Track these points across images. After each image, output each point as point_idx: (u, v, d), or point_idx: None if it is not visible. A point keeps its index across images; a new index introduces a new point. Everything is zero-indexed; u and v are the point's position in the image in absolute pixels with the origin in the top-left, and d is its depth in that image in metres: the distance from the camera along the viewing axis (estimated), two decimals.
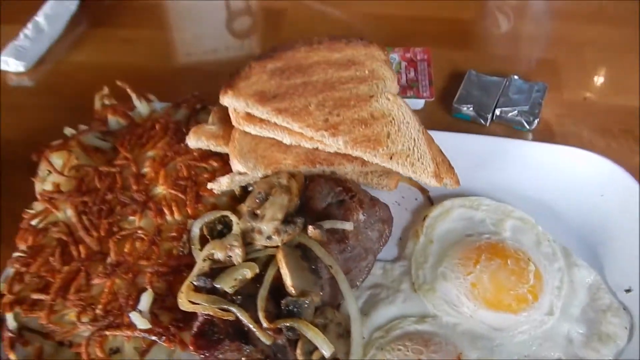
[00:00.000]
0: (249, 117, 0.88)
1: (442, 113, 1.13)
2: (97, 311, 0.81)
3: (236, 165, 0.88)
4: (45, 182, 0.99)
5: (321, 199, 0.87)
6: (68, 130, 1.05)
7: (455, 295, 0.81)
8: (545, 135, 1.06)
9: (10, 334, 0.81)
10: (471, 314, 0.80)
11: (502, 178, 0.96)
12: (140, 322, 0.79)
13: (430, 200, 0.97)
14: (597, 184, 0.91)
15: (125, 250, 0.86)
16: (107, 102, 1.08)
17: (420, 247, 0.89)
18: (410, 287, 0.86)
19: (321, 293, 0.77)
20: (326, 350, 0.73)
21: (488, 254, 0.83)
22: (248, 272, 0.77)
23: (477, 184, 0.96)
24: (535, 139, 1.06)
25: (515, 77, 1.14)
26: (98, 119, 1.07)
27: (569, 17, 1.34)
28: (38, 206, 0.96)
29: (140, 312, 0.80)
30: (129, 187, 0.94)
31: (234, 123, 0.90)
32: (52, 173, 0.98)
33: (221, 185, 0.89)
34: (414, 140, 0.88)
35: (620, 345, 0.77)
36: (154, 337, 0.78)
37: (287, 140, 0.89)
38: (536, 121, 1.07)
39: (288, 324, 0.73)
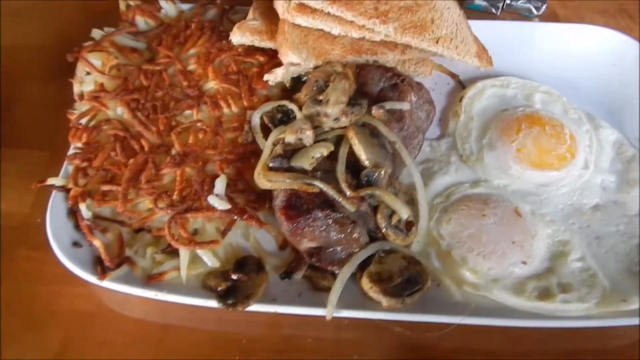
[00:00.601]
0: (302, 8, 0.88)
1: None
2: (174, 197, 0.82)
3: (289, 57, 0.88)
4: (83, 83, 0.96)
5: (374, 84, 0.90)
6: (97, 33, 1.01)
7: (503, 160, 0.89)
8: (552, 19, 1.13)
9: (87, 222, 0.82)
10: (519, 175, 0.88)
11: (524, 59, 1.03)
12: (220, 203, 0.81)
13: (461, 84, 1.02)
14: (609, 55, 1.00)
15: (190, 141, 0.87)
16: (131, 3, 1.04)
17: (462, 124, 0.95)
18: (459, 159, 0.92)
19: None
20: (404, 213, 0.79)
21: (526, 123, 0.91)
22: (324, 150, 0.80)
23: (502, 66, 1.01)
24: None
25: None
26: (125, 21, 1.03)
27: None
28: (82, 106, 0.93)
29: (217, 195, 0.82)
30: (178, 84, 0.93)
31: (283, 16, 0.89)
32: (91, 74, 0.96)
33: (277, 76, 0.90)
34: (456, 24, 0.92)
35: None
36: (235, 217, 0.82)
37: (336, 30, 0.90)
38: (544, 7, 1.13)
39: (369, 192, 0.78)
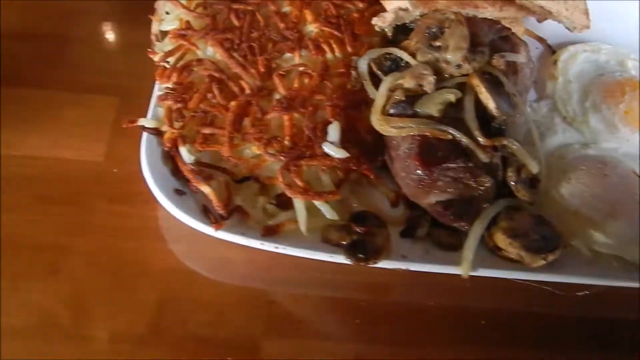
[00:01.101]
0: None
1: None
2: (286, 142, 0.74)
3: (397, 2, 0.82)
4: (163, 22, 0.86)
5: (484, 35, 0.84)
6: None
7: (610, 123, 0.85)
8: None
9: (191, 167, 0.72)
10: (628, 137, 0.85)
11: (607, 27, 0.99)
12: (337, 152, 0.73)
13: (550, 48, 0.99)
14: None
15: (295, 86, 0.79)
16: None
17: (561, 86, 0.92)
18: (563, 121, 0.88)
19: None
20: (534, 166, 0.74)
21: (630, 86, 0.88)
22: (452, 96, 0.74)
23: (584, 33, 0.98)
24: None
25: None
26: None
27: None
28: (165, 45, 0.83)
29: (331, 143, 0.74)
30: (273, 26, 0.85)
31: None
32: (170, 13, 0.86)
33: (385, 20, 0.82)
34: None
35: None
36: (352, 166, 0.74)
37: None
38: None
39: (504, 142, 0.73)
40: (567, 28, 0.94)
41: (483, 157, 0.71)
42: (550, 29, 0.95)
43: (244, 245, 0.69)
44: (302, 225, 0.70)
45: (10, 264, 0.70)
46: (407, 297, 0.75)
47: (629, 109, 0.85)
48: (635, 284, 0.70)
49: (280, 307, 0.72)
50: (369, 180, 0.77)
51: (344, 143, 0.76)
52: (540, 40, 1.00)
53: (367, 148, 0.77)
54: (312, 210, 0.72)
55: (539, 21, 0.97)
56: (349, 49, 0.83)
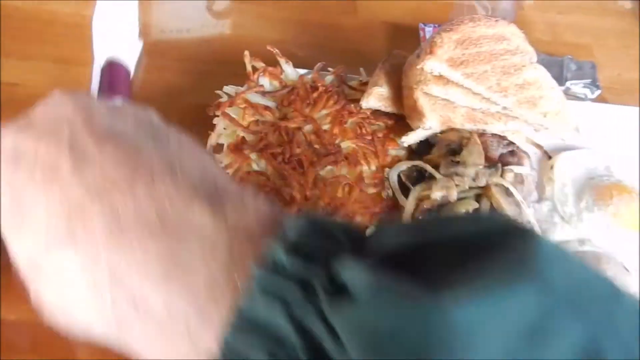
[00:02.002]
0: (438, 79, 0.96)
1: None
2: None
3: (423, 122, 0.96)
4: (220, 136, 0.99)
5: (494, 149, 0.98)
6: (229, 89, 1.04)
7: (602, 222, 0.98)
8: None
9: None
10: (616, 236, 0.97)
11: (592, 138, 1.14)
12: None
13: (546, 154, 1.13)
14: None
15: (338, 195, 0.91)
16: (256, 64, 1.09)
17: (558, 189, 1.05)
18: (561, 220, 1.01)
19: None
20: None
21: (616, 190, 1.01)
22: (470, 207, 0.87)
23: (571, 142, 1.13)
24: None
25: (569, 56, 1.34)
26: (251, 80, 1.07)
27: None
28: (225, 157, 0.95)
29: None
30: (315, 142, 0.98)
31: (417, 85, 0.97)
32: (228, 128, 0.99)
33: (412, 138, 0.97)
34: (558, 102, 1.03)
35: None
36: None
37: (463, 102, 0.98)
38: (598, 92, 1.27)
39: None
40: (562, 139, 1.09)
41: None
42: (545, 135, 1.11)
43: None
44: None
45: None
46: None
47: (616, 211, 0.98)
48: None
49: None
50: None
51: None
52: (538, 146, 1.14)
53: None
54: None
55: (536, 131, 1.12)
56: (380, 161, 0.96)
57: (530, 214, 0.92)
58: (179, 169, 0.36)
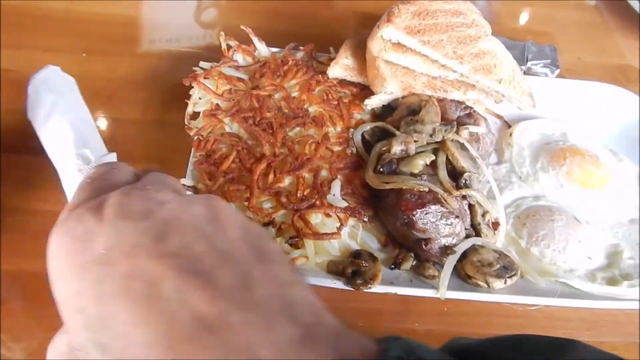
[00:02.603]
0: (396, 46, 1.02)
1: None
2: (297, 196, 0.90)
3: (388, 87, 1.02)
4: (197, 104, 1.05)
5: (452, 112, 1.04)
6: (205, 64, 1.11)
7: (556, 181, 1.03)
8: None
9: None
10: (569, 193, 1.02)
11: (551, 107, 1.20)
12: (338, 202, 0.90)
13: (506, 123, 1.18)
14: (619, 108, 1.19)
15: (306, 151, 0.96)
16: (230, 42, 1.15)
17: (516, 153, 1.10)
18: (519, 180, 1.06)
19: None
20: (494, 211, 0.91)
21: (570, 152, 1.07)
22: (428, 160, 0.92)
23: (533, 112, 1.18)
24: None
25: (531, 41, 1.41)
26: (226, 57, 1.13)
27: None
28: (197, 123, 1.01)
29: (334, 195, 0.91)
30: (285, 107, 1.04)
31: (377, 54, 1.03)
32: (204, 97, 1.05)
33: (374, 101, 1.03)
34: (512, 70, 1.09)
35: None
36: (350, 213, 0.90)
37: (421, 68, 1.04)
38: (557, 71, 1.34)
39: (469, 192, 0.90)
40: (518, 107, 1.15)
41: (454, 204, 0.88)
42: (506, 108, 1.17)
43: None
44: (312, 259, 0.85)
45: None
46: (396, 321, 0.87)
47: (569, 170, 1.03)
48: (575, 303, 0.85)
49: None
50: (363, 226, 0.93)
51: (345, 196, 0.93)
52: (498, 116, 1.20)
53: (363, 200, 0.94)
54: (319, 249, 0.87)
55: (497, 102, 1.18)
56: (346, 123, 1.02)
57: (487, 170, 0.97)
58: (288, 307, 0.34)
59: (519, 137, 1.13)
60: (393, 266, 0.88)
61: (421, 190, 0.87)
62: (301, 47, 1.19)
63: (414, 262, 0.89)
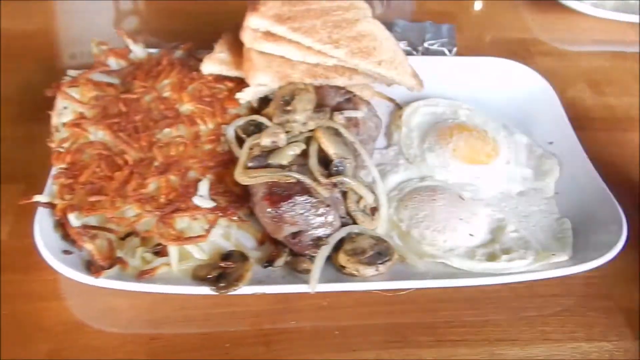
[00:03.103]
0: (267, 35, 0.98)
1: None
2: (161, 200, 0.85)
3: (257, 79, 0.97)
4: (62, 115, 0.99)
5: (331, 98, 1.01)
6: (73, 72, 1.05)
7: (442, 159, 1.01)
8: None
9: (77, 229, 0.82)
10: (457, 170, 0.99)
11: (445, 86, 1.18)
12: (205, 203, 0.85)
13: (398, 105, 1.15)
14: (515, 81, 1.17)
15: (172, 153, 0.91)
16: (103, 47, 1.10)
17: (405, 135, 1.07)
18: (406, 162, 1.03)
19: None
20: (369, 197, 0.88)
21: (457, 130, 1.04)
22: (297, 148, 0.88)
23: (426, 92, 1.15)
24: None
25: (430, 22, 1.39)
26: (98, 62, 1.08)
27: None
28: (61, 134, 0.95)
29: (201, 196, 0.86)
30: (155, 108, 0.99)
31: (250, 44, 0.99)
32: (69, 106, 0.99)
33: (247, 94, 0.98)
34: (394, 51, 1.06)
35: (556, 175, 1.01)
36: (219, 213, 0.85)
37: (296, 56, 1.00)
38: (454, 49, 1.32)
39: (339, 179, 0.86)
40: (408, 89, 1.12)
41: (324, 192, 0.84)
42: (403, 91, 1.14)
43: (127, 294, 0.78)
44: (174, 265, 0.80)
45: None
46: (275, 321, 0.83)
47: (456, 147, 1.01)
48: (456, 283, 0.82)
49: (160, 343, 0.79)
50: (239, 225, 0.89)
51: (215, 196, 0.88)
52: (390, 100, 1.17)
53: (236, 198, 0.90)
54: (186, 255, 0.83)
55: (388, 85, 1.15)
56: (219, 120, 0.98)
57: (366, 155, 0.93)
58: None
59: (408, 118, 1.10)
60: (267, 264, 0.84)
61: (288, 181, 0.84)
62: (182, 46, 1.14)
63: (289, 258, 0.85)
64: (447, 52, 1.32)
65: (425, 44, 1.32)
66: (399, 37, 1.32)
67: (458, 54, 1.33)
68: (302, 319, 0.83)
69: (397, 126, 1.09)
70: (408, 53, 1.31)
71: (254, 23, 0.97)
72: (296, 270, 0.83)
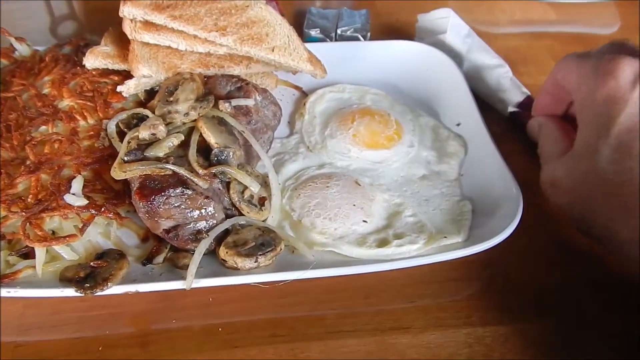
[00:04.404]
0: (147, 25, 0.96)
1: None
2: (29, 200, 0.82)
3: (140, 70, 0.95)
4: None
5: (222, 88, 0.98)
6: None
7: (342, 145, 0.99)
8: None
9: None
10: (357, 155, 0.98)
11: (355, 71, 1.16)
12: (76, 201, 0.82)
13: (304, 93, 1.14)
14: (422, 63, 1.17)
15: (46, 151, 0.88)
16: None
17: (307, 122, 1.06)
18: (306, 150, 1.01)
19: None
20: (254, 187, 0.85)
21: (359, 114, 1.03)
22: (175, 140, 0.85)
23: (339, 78, 1.15)
24: None
25: (345, 8, 1.38)
26: None
27: None
28: None
29: (73, 194, 0.83)
30: (32, 106, 0.95)
31: (132, 36, 0.96)
32: None
33: (129, 87, 0.95)
34: (288, 36, 1.04)
35: (460, 157, 1.01)
36: (93, 211, 0.82)
37: (182, 46, 0.98)
38: (368, 34, 1.31)
39: (219, 169, 0.83)
40: (312, 76, 1.11)
41: (201, 184, 0.81)
42: (311, 80, 1.12)
43: None
44: (39, 268, 0.76)
45: None
46: (155, 321, 0.79)
47: (356, 132, 0.99)
48: (344, 272, 0.80)
49: (27, 349, 0.75)
50: (118, 222, 0.85)
51: (92, 193, 0.85)
52: (296, 88, 1.15)
53: (115, 195, 0.86)
54: (56, 256, 0.79)
55: (293, 73, 1.13)
56: (101, 115, 0.94)
57: (255, 144, 0.91)
58: None
59: (312, 105, 1.09)
60: (145, 261, 0.81)
61: (163, 174, 0.81)
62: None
63: (170, 254, 0.82)
64: (361, 37, 1.31)
65: (339, 30, 1.31)
66: (312, 25, 1.32)
67: (372, 39, 1.32)
68: (186, 317, 0.80)
69: (301, 114, 1.08)
70: (321, 40, 1.30)
71: (128, 12, 0.95)
72: (177, 267, 0.81)
